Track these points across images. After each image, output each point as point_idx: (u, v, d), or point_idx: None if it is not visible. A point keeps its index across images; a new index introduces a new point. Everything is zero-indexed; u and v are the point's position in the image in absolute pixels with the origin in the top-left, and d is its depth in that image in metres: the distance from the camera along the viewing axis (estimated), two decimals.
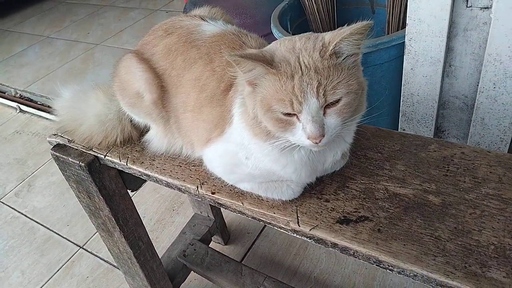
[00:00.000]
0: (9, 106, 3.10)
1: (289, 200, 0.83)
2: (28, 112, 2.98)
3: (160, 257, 1.39)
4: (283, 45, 0.70)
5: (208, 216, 1.65)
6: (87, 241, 1.93)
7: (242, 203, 0.86)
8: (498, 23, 1.11)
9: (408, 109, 1.44)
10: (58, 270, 1.82)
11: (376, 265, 0.73)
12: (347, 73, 0.66)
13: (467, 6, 1.18)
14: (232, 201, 0.87)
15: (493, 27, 1.12)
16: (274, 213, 0.82)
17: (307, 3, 1.90)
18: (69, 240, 1.95)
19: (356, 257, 0.74)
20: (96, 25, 4.13)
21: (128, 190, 1.18)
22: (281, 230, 0.83)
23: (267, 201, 0.85)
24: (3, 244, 1.99)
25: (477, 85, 1.27)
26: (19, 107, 3.02)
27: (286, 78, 0.65)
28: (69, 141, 1.10)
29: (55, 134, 1.14)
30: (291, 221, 0.80)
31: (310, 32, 0.73)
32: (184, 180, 0.94)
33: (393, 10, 1.72)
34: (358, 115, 0.73)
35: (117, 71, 0.99)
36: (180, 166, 0.98)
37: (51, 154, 1.11)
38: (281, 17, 1.78)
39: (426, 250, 0.70)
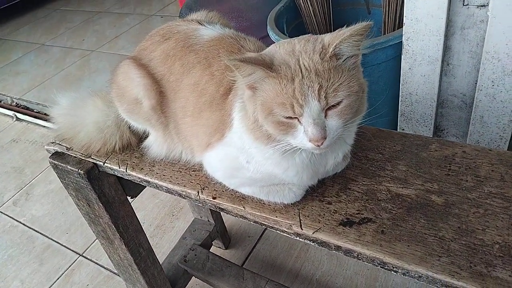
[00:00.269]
0: (5, 114, 3.08)
1: (291, 204, 0.83)
2: (24, 120, 2.97)
3: (160, 263, 1.38)
4: (282, 48, 0.69)
5: (208, 220, 1.64)
6: (86, 249, 1.91)
7: (243, 208, 0.85)
8: (496, 21, 1.11)
9: (407, 109, 1.44)
10: (58, 279, 1.80)
11: (380, 267, 0.72)
12: (348, 75, 0.66)
13: (463, 5, 1.18)
14: (233, 206, 0.86)
15: (490, 25, 1.12)
16: (276, 216, 0.82)
17: (303, 5, 1.90)
18: (68, 248, 1.94)
19: (360, 259, 0.74)
20: (91, 32, 4.13)
21: (127, 197, 1.17)
22: (284, 234, 0.82)
23: (269, 205, 0.84)
24: (1, 254, 1.98)
25: (476, 83, 1.27)
26: (15, 115, 3.01)
27: (286, 81, 0.65)
28: (67, 148, 1.10)
29: (53, 142, 1.13)
30: (293, 224, 0.79)
31: (309, 34, 0.73)
32: (184, 186, 0.93)
33: (389, 10, 1.72)
34: (359, 116, 0.73)
35: (115, 78, 0.98)
36: (180, 172, 0.97)
37: (50, 162, 1.10)
38: (277, 20, 1.77)
39: (431, 250, 0.70)
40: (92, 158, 1.05)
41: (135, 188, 1.18)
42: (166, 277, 1.40)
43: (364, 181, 0.85)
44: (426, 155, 0.88)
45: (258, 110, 0.70)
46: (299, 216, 0.80)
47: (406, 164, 0.87)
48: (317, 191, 0.85)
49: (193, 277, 1.55)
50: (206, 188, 0.91)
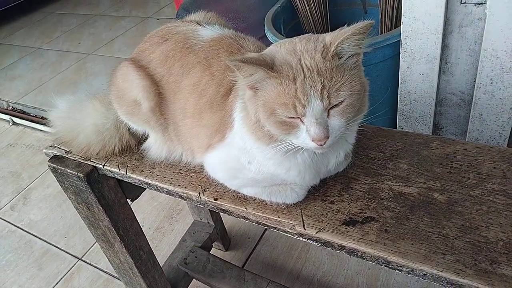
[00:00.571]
0: (1, 119, 3.07)
1: (294, 204, 0.82)
2: (21, 125, 2.95)
3: (161, 266, 1.37)
4: (284, 48, 0.69)
5: (208, 222, 1.64)
6: (85, 253, 1.90)
7: (245, 208, 0.85)
8: (494, 18, 1.11)
9: (406, 108, 1.44)
10: (57, 284, 1.79)
11: (385, 266, 0.72)
12: (350, 74, 0.66)
13: (461, 3, 1.19)
14: (235, 207, 0.86)
15: (488, 23, 1.12)
16: (279, 217, 0.81)
17: (299, 5, 1.90)
18: (67, 252, 1.93)
19: (364, 259, 0.73)
20: (87, 35, 4.11)
21: (127, 199, 1.17)
22: (287, 234, 0.81)
23: (271, 205, 0.84)
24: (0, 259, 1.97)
25: (474, 81, 1.27)
26: (12, 119, 2.99)
27: (288, 81, 0.65)
28: (66, 152, 1.09)
29: (51, 146, 1.12)
30: (296, 224, 0.79)
31: (310, 33, 0.73)
32: (185, 187, 0.93)
33: (385, 9, 1.72)
34: (361, 115, 0.73)
35: (113, 80, 0.98)
36: (181, 173, 0.96)
37: (49, 166, 1.10)
38: (274, 20, 1.77)
39: (435, 248, 0.69)
40: (92, 161, 1.05)
41: (135, 191, 1.17)
42: (167, 280, 1.39)
43: (366, 180, 0.85)
44: (427, 153, 0.88)
45: (259, 110, 0.69)
46: (301, 216, 0.80)
47: (407, 162, 0.87)
48: (319, 191, 0.84)
49: (194, 279, 1.54)
50: (207, 189, 0.91)
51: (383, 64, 1.54)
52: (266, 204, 0.84)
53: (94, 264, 1.83)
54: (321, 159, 0.79)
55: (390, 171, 0.86)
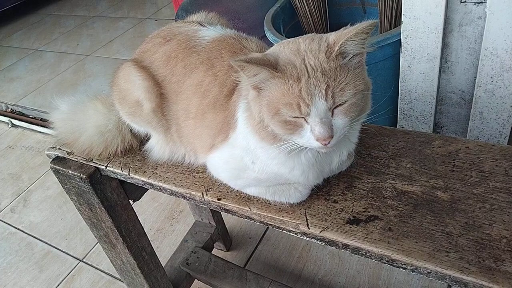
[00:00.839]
0: (0, 121, 3.06)
1: (297, 203, 0.82)
2: (20, 127, 2.95)
3: (163, 267, 1.37)
4: (287, 48, 0.69)
5: (210, 223, 1.64)
6: (86, 254, 1.90)
7: (249, 208, 0.85)
8: (493, 17, 1.11)
9: (406, 107, 1.45)
10: (58, 285, 1.79)
11: (389, 264, 0.72)
12: (353, 73, 0.66)
13: (461, 2, 1.19)
14: (239, 207, 0.86)
15: (488, 21, 1.13)
16: (283, 216, 0.82)
17: (299, 5, 1.91)
18: (68, 254, 1.93)
19: (368, 257, 0.74)
20: (85, 36, 4.11)
21: (130, 200, 1.17)
22: (291, 234, 0.82)
23: (274, 205, 0.84)
24: (0, 261, 1.96)
25: (474, 79, 1.27)
26: (11, 121, 2.99)
27: (292, 81, 0.65)
28: (68, 153, 1.09)
29: (53, 147, 1.12)
30: (300, 224, 0.79)
31: (313, 33, 0.73)
32: (188, 188, 0.93)
33: (385, 8, 1.72)
34: (364, 114, 0.73)
35: (115, 80, 0.98)
36: (184, 174, 0.97)
37: (51, 167, 1.10)
38: (274, 20, 1.78)
39: (439, 246, 0.70)
40: (94, 162, 1.05)
41: (137, 192, 1.17)
42: (169, 280, 1.39)
43: (369, 179, 0.85)
44: (429, 152, 0.88)
45: (264, 110, 0.70)
46: (305, 215, 0.80)
47: (410, 161, 0.87)
48: (323, 190, 0.85)
49: (196, 279, 1.54)
50: (210, 189, 0.91)
51: (384, 63, 1.54)
52: (269, 203, 0.84)
53: (96, 266, 1.83)
54: (325, 159, 0.79)
55: (393, 170, 0.86)
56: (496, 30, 1.13)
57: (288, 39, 0.74)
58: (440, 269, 0.67)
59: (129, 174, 1.00)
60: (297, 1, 1.90)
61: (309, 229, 0.78)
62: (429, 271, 0.68)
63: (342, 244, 0.75)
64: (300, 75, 0.65)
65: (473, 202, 0.76)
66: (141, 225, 1.23)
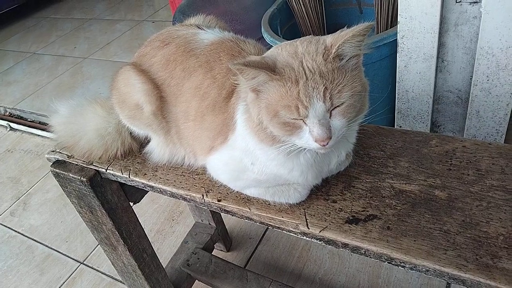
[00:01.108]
0: None
1: (297, 203, 0.83)
2: (18, 130, 2.95)
3: (164, 268, 1.38)
4: (285, 50, 0.70)
5: (210, 224, 1.65)
6: (87, 256, 1.91)
7: (249, 209, 0.86)
8: (489, 17, 1.12)
9: (404, 106, 1.46)
10: None
11: (388, 262, 0.73)
12: (351, 75, 0.67)
13: (456, 2, 1.20)
14: (239, 208, 0.87)
15: (484, 21, 1.14)
16: (283, 217, 0.82)
17: (295, 6, 1.92)
18: (69, 257, 1.93)
19: (367, 256, 0.75)
20: (82, 39, 4.11)
21: (130, 203, 1.17)
22: (291, 234, 0.83)
23: (274, 205, 0.85)
24: (1, 265, 1.97)
25: (470, 78, 1.29)
26: (9, 125, 2.99)
27: (290, 83, 0.66)
28: (68, 156, 1.10)
29: (53, 151, 1.13)
30: (300, 224, 0.80)
31: (311, 35, 0.74)
32: (188, 189, 0.93)
33: (381, 9, 1.73)
34: (362, 115, 0.74)
35: (115, 84, 0.98)
36: (184, 176, 0.97)
37: (51, 171, 1.10)
38: (271, 22, 1.79)
39: (437, 244, 0.71)
40: (94, 165, 1.05)
41: (137, 194, 1.18)
42: (170, 281, 1.40)
43: (367, 179, 0.86)
44: (427, 151, 0.89)
45: (262, 112, 0.70)
46: (305, 215, 0.81)
47: (408, 160, 0.88)
48: (322, 190, 0.85)
49: (197, 280, 1.55)
50: (210, 191, 0.92)
51: (380, 63, 1.55)
52: (269, 204, 0.85)
53: (96, 268, 1.84)
54: (323, 159, 0.80)
55: (391, 169, 0.87)
56: (491, 29, 1.14)
57: (286, 42, 0.74)
58: (438, 266, 0.68)
59: (129, 176, 1.01)
60: (294, 2, 1.91)
61: (308, 229, 0.79)
62: (428, 269, 0.69)
63: (342, 244, 0.76)
64: (298, 78, 0.66)
65: (470, 200, 0.77)
66: (142, 227, 1.23)
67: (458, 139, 0.90)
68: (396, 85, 1.43)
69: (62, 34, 4.35)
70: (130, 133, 1.05)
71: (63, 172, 1.07)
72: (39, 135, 2.82)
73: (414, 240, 0.72)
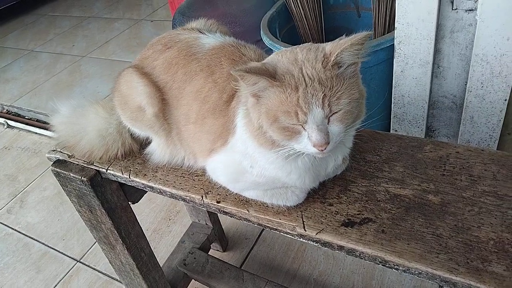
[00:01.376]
0: None
1: (294, 206, 0.85)
2: (16, 127, 2.95)
3: (161, 267, 1.39)
4: (285, 57, 0.72)
5: (206, 224, 1.67)
6: (84, 255, 1.92)
7: (247, 211, 0.88)
8: (484, 25, 1.15)
9: (400, 110, 1.48)
10: (55, 286, 1.80)
11: (382, 265, 0.75)
12: (349, 82, 0.69)
13: (452, 9, 1.23)
14: (238, 209, 0.89)
15: (479, 29, 1.16)
16: (280, 219, 0.84)
17: (294, 9, 1.94)
18: (65, 255, 1.94)
19: (362, 258, 0.77)
20: (80, 37, 4.11)
21: (129, 202, 1.19)
22: (288, 236, 0.85)
23: (272, 207, 0.87)
24: None
25: (465, 84, 1.31)
26: (6, 122, 2.99)
27: (290, 90, 0.68)
28: (69, 156, 1.11)
29: (54, 150, 1.14)
30: (297, 226, 0.82)
31: (310, 43, 0.76)
32: (188, 191, 0.95)
33: (379, 13, 1.76)
34: (359, 120, 0.76)
35: (117, 86, 1.00)
36: (183, 177, 0.99)
37: (52, 170, 1.12)
38: (270, 24, 1.80)
39: (429, 248, 0.73)
40: (95, 165, 1.07)
41: (136, 194, 1.20)
42: (166, 280, 1.42)
43: (363, 183, 0.88)
44: (421, 156, 0.91)
45: (262, 117, 0.72)
46: (302, 218, 0.83)
47: (402, 165, 0.90)
48: (319, 193, 0.87)
49: (193, 280, 1.57)
50: (209, 192, 0.93)
51: (377, 67, 1.57)
52: (267, 206, 0.87)
53: (93, 266, 1.85)
54: (320, 163, 0.82)
55: (386, 173, 0.89)
56: (486, 37, 1.16)
57: (286, 48, 0.76)
58: (431, 269, 0.70)
59: (129, 177, 1.03)
60: (292, 5, 1.93)
61: (305, 231, 0.81)
62: (420, 271, 0.71)
63: (337, 246, 0.78)
64: (297, 84, 0.68)
65: (463, 205, 0.79)
66: (140, 226, 1.25)
67: (451, 145, 0.93)
68: (393, 89, 1.45)
69: (61, 32, 4.35)
70: (131, 134, 1.06)
71: (64, 172, 1.09)
72: (36, 133, 2.83)
73: (408, 244, 0.74)
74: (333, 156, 0.83)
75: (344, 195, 0.86)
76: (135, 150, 1.08)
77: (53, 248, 1.99)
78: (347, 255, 0.81)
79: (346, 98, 0.68)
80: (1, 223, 2.20)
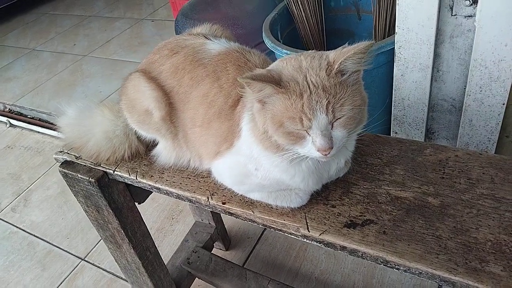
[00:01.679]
0: None
1: (298, 207, 0.88)
2: (18, 126, 2.97)
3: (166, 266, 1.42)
4: (290, 64, 0.75)
5: (210, 223, 1.69)
6: (88, 253, 1.94)
7: (252, 212, 0.90)
8: (482, 31, 1.17)
9: (400, 113, 1.51)
10: (61, 283, 1.83)
11: (383, 265, 0.78)
12: (351, 89, 0.72)
13: (452, 15, 1.25)
14: (243, 210, 0.91)
15: (477, 35, 1.19)
16: (284, 220, 0.87)
17: (296, 11, 1.96)
18: (70, 253, 1.97)
19: (364, 259, 0.79)
20: (81, 36, 4.13)
21: (135, 203, 1.22)
22: (292, 236, 0.87)
23: (276, 209, 0.89)
24: (3, 260, 2.00)
25: (464, 88, 1.34)
26: (9, 121, 3.01)
27: (295, 96, 0.70)
28: (76, 157, 1.13)
29: (61, 151, 1.17)
30: (300, 227, 0.85)
31: (313, 50, 0.78)
32: (194, 192, 0.98)
33: (379, 16, 1.78)
34: (361, 126, 0.78)
35: (124, 90, 1.02)
36: (189, 178, 1.02)
37: (60, 171, 1.14)
38: (271, 27, 1.83)
39: (429, 249, 0.75)
40: (102, 167, 1.09)
41: (142, 194, 1.22)
42: (171, 279, 1.44)
43: (364, 185, 0.91)
44: (421, 160, 0.94)
45: (268, 122, 0.75)
46: (305, 219, 0.86)
47: (403, 168, 0.93)
48: (321, 195, 0.90)
49: (196, 278, 1.59)
50: (215, 194, 0.96)
51: (377, 70, 1.60)
52: (272, 208, 0.90)
53: (97, 264, 1.88)
54: (323, 166, 0.85)
55: (387, 176, 0.92)
56: (484, 43, 1.19)
57: (290, 56, 0.79)
58: (431, 270, 0.73)
59: (136, 178, 1.05)
60: (294, 7, 1.95)
61: (309, 232, 0.83)
62: (420, 271, 0.74)
63: (340, 246, 0.81)
64: (302, 91, 0.70)
65: (461, 207, 0.82)
66: (146, 226, 1.27)
67: (451, 148, 0.95)
68: (393, 93, 1.48)
69: (61, 31, 4.36)
70: (137, 136, 1.09)
71: (72, 173, 1.11)
72: (39, 132, 2.85)
73: (408, 244, 0.77)
74: (335, 159, 0.86)
75: (346, 197, 0.89)
76: (142, 152, 1.11)
77: (57, 247, 2.01)
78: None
79: (349, 104, 0.71)
80: (5, 221, 2.23)
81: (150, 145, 1.10)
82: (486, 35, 1.17)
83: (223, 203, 0.94)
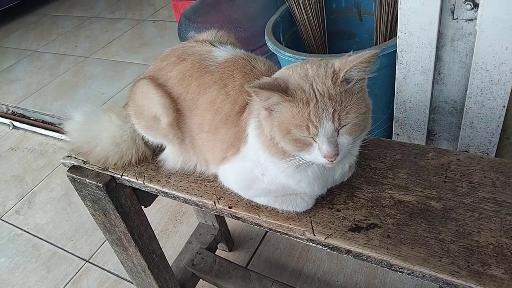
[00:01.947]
0: (1, 123, 3.10)
1: (303, 212, 0.90)
2: (21, 128, 2.99)
3: (171, 267, 1.44)
4: (296, 72, 0.76)
5: (213, 225, 1.71)
6: (92, 255, 1.96)
7: (258, 216, 0.92)
8: (483, 35, 1.19)
9: (401, 115, 1.53)
10: (65, 286, 1.85)
11: (387, 268, 0.80)
12: (356, 97, 0.73)
13: (453, 19, 1.27)
14: (249, 214, 0.93)
15: (478, 39, 1.21)
16: (290, 224, 0.89)
17: (297, 14, 1.98)
18: (74, 255, 1.99)
19: (369, 262, 0.81)
20: (83, 37, 4.14)
21: (141, 206, 1.23)
22: (298, 240, 0.89)
23: (282, 213, 0.91)
24: (8, 262, 2.02)
25: (465, 91, 1.35)
26: (12, 123, 3.03)
27: (302, 104, 0.72)
28: (84, 162, 1.15)
29: (68, 156, 1.18)
30: (306, 231, 0.87)
31: (319, 58, 0.80)
32: (201, 196, 1.00)
33: (380, 18, 1.80)
34: (366, 132, 0.80)
35: (132, 96, 1.04)
36: (196, 183, 1.03)
37: (68, 176, 1.16)
38: (274, 29, 1.84)
39: (432, 252, 0.77)
40: (110, 171, 1.11)
41: (148, 198, 1.24)
42: (176, 280, 1.46)
43: (368, 189, 0.92)
44: (424, 163, 0.96)
45: (275, 129, 0.77)
46: (311, 223, 0.88)
47: (406, 172, 0.94)
48: (326, 199, 0.92)
49: (201, 279, 1.61)
50: (222, 198, 0.98)
51: (379, 72, 1.62)
52: (277, 212, 0.91)
53: (102, 266, 1.90)
54: (328, 171, 0.86)
55: (390, 180, 0.93)
56: (485, 46, 1.21)
57: (296, 64, 0.81)
58: (434, 273, 0.75)
59: (144, 182, 1.07)
60: (296, 10, 1.97)
61: (314, 236, 0.85)
62: (424, 274, 0.76)
63: (345, 250, 0.83)
64: (309, 100, 0.72)
65: (463, 211, 0.83)
66: (152, 229, 1.29)
67: (453, 152, 0.97)
68: (395, 95, 1.49)
69: (63, 32, 4.37)
70: (145, 141, 1.10)
71: (80, 177, 1.13)
72: (42, 134, 2.87)
73: (412, 248, 0.79)
74: (340, 164, 0.87)
75: (350, 201, 0.91)
76: (149, 157, 1.12)
77: (62, 249, 2.03)
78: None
79: (355, 112, 0.73)
80: (10, 223, 2.24)
81: (157, 150, 1.12)
82: (487, 38, 1.19)
83: (230, 207, 0.95)
